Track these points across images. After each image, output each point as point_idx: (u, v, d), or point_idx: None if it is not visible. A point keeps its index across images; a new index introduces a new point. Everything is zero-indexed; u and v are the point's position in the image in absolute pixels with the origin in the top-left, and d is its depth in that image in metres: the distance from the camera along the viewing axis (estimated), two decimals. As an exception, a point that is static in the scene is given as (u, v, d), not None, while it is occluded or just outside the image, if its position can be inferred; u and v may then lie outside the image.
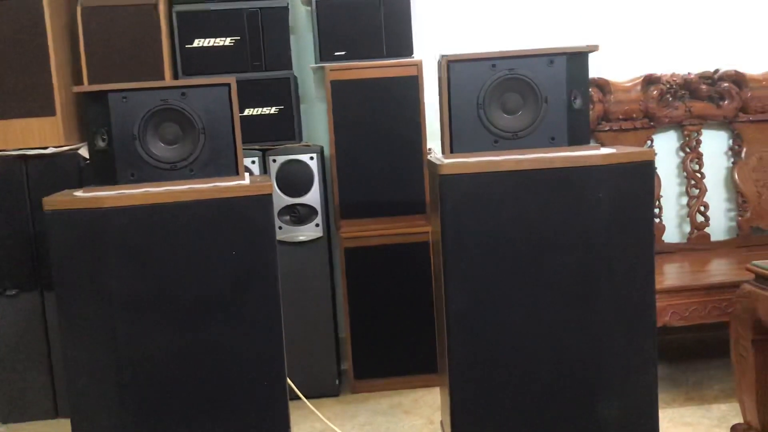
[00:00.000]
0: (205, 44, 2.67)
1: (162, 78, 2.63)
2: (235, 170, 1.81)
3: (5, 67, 2.54)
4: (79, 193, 1.75)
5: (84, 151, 2.62)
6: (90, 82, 2.61)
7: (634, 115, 2.92)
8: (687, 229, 3.02)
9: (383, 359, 2.77)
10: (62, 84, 2.61)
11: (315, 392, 2.65)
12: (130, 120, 1.74)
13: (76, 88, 1.80)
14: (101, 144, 1.76)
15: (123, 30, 2.61)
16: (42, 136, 2.59)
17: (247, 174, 1.88)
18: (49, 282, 2.59)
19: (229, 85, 1.79)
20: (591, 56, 1.88)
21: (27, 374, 2.65)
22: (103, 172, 1.77)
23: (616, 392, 1.83)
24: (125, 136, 1.74)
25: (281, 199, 2.65)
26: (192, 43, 2.67)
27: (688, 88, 2.93)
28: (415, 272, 2.72)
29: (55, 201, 1.71)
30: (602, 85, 2.90)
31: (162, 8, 2.63)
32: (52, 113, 2.58)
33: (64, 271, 1.72)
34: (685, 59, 2.97)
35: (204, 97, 1.78)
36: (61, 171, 2.59)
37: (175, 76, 2.71)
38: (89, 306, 1.72)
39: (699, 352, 2.92)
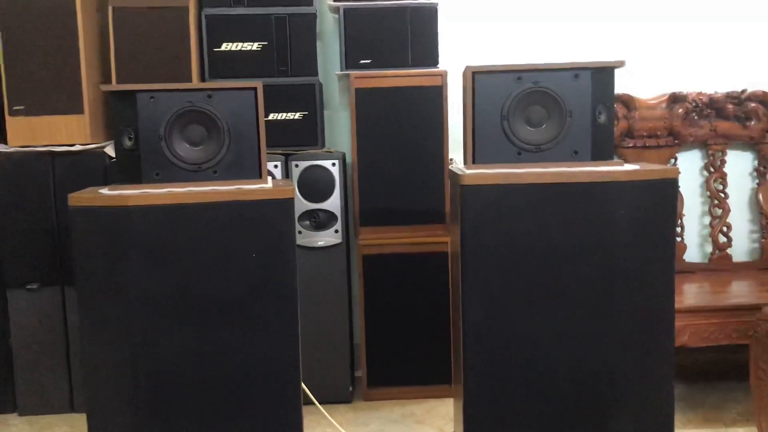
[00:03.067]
0: (233, 48, 2.70)
1: (189, 80, 2.66)
2: (258, 173, 1.82)
3: (36, 64, 2.59)
4: (104, 191, 1.78)
5: (110, 150, 2.66)
6: (118, 82, 2.64)
7: (659, 133, 2.90)
8: (709, 249, 2.99)
9: (397, 368, 2.76)
10: (91, 83, 2.65)
11: (328, 398, 2.65)
12: (157, 120, 1.76)
13: (105, 87, 1.83)
14: (128, 143, 1.78)
15: (153, 31, 2.64)
16: (69, 133, 2.63)
17: (269, 178, 1.89)
18: (71, 277, 2.62)
19: (255, 89, 1.80)
20: (617, 72, 1.87)
21: (45, 368, 2.68)
22: (128, 170, 1.79)
23: (631, 410, 1.81)
24: (152, 135, 1.76)
25: (302, 204, 2.66)
26: (220, 47, 2.70)
27: (714, 107, 2.91)
28: (432, 282, 2.72)
29: (80, 197, 1.74)
30: (627, 102, 2.89)
31: (192, 11, 2.66)
32: (80, 111, 2.62)
33: (85, 267, 1.75)
34: (711, 78, 2.95)
35: (230, 100, 1.79)
36: (86, 168, 2.62)
37: (202, 79, 2.74)
38: (109, 302, 1.73)
39: (717, 374, 2.88)
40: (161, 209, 1.69)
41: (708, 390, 2.75)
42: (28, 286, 2.65)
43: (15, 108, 2.60)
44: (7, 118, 2.61)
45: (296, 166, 2.67)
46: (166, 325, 1.72)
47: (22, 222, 2.63)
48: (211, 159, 1.79)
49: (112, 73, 2.66)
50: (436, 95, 2.69)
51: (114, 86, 1.84)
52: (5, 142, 2.64)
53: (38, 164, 2.62)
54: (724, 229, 2.95)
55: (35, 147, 2.62)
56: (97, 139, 2.69)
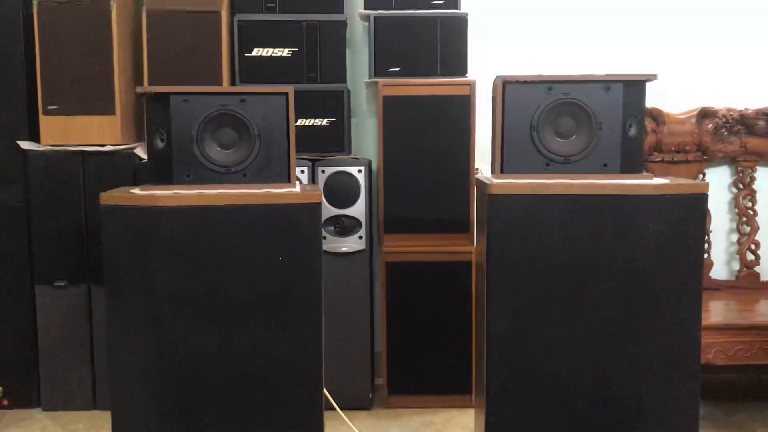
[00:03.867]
0: (264, 54, 2.73)
1: (220, 84, 2.69)
2: (287, 177, 1.84)
3: (71, 65, 2.63)
4: (135, 191, 1.80)
5: (139, 151, 2.69)
6: (150, 84, 2.68)
7: (687, 148, 2.88)
8: (736, 266, 2.95)
9: (417, 376, 2.76)
10: (123, 85, 2.69)
11: (348, 404, 2.65)
12: (189, 122, 1.78)
13: (140, 89, 1.85)
14: (160, 144, 1.80)
15: (185, 36, 2.68)
16: (101, 133, 2.67)
17: (297, 182, 1.91)
18: (97, 276, 2.66)
19: (287, 94, 1.82)
20: (647, 86, 1.86)
21: (69, 365, 2.72)
22: (159, 171, 1.81)
23: (655, 426, 1.79)
24: (183, 137, 1.78)
25: (327, 210, 2.67)
26: (251, 52, 2.73)
27: (744, 123, 2.88)
28: (455, 291, 2.72)
29: (112, 196, 1.76)
30: (656, 116, 2.87)
31: (224, 16, 2.70)
32: (112, 112, 2.66)
33: (115, 265, 1.77)
34: (742, 94, 2.92)
35: (262, 105, 1.81)
36: (116, 169, 2.66)
37: (233, 83, 2.77)
38: (137, 301, 1.75)
39: (742, 393, 2.84)
40: (191, 210, 1.71)
41: (732, 409, 2.71)
42: (56, 283, 2.69)
43: (49, 107, 2.65)
44: (41, 117, 2.66)
45: (322, 171, 2.68)
46: (193, 325, 1.73)
47: (52, 220, 2.67)
48: (242, 162, 1.81)
49: (144, 75, 2.70)
50: (463, 105, 2.70)
51: (149, 88, 1.87)
52: (38, 141, 2.69)
53: (69, 163, 2.66)
54: (752, 246, 2.91)
55: (67, 146, 2.67)
56: (127, 140, 2.73)
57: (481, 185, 1.91)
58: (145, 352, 1.75)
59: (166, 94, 1.79)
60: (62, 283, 2.69)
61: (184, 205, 1.71)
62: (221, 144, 1.82)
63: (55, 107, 2.64)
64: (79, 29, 2.63)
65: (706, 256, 2.90)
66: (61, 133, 2.66)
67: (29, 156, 2.66)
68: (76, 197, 2.67)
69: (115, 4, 2.62)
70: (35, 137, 2.70)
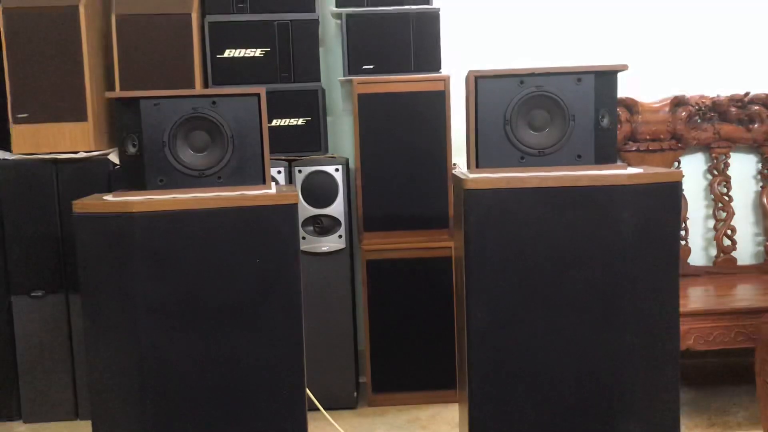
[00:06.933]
0: (236, 54, 2.71)
1: (192, 86, 2.67)
2: (262, 179, 1.82)
3: (41, 72, 2.60)
4: (108, 198, 1.78)
5: (113, 157, 2.66)
6: (122, 89, 2.65)
7: (662, 136, 2.90)
8: (713, 252, 2.98)
9: (402, 373, 2.76)
10: (95, 90, 2.66)
11: (332, 404, 2.65)
12: (160, 127, 1.76)
13: (109, 94, 1.83)
14: (132, 149, 1.78)
15: (156, 39, 2.65)
16: (73, 140, 2.64)
17: (273, 183, 1.90)
18: (75, 284, 2.63)
19: (258, 95, 1.81)
20: (619, 75, 1.87)
21: (49, 375, 2.68)
22: (132, 177, 1.79)
23: (637, 414, 1.80)
24: (155, 142, 1.77)
25: (305, 210, 2.66)
26: (223, 53, 2.71)
27: (717, 110, 2.90)
28: (436, 287, 2.72)
29: (84, 204, 1.74)
30: (630, 105, 2.89)
31: (195, 18, 2.67)
32: (84, 119, 2.63)
33: (90, 274, 1.75)
34: (714, 81, 2.95)
35: (234, 107, 1.80)
36: (90, 175, 2.63)
37: (206, 85, 2.75)
38: (114, 309, 1.73)
39: (723, 378, 2.87)
40: (165, 215, 1.69)
41: (713, 394, 2.74)
42: (33, 293, 2.66)
43: (19, 116, 2.61)
44: (12, 125, 2.62)
45: (299, 171, 2.67)
46: (172, 331, 1.72)
47: (26, 229, 2.63)
48: (215, 165, 1.80)
49: (116, 80, 2.67)
50: (438, 100, 2.69)
51: (118, 93, 1.85)
52: (9, 150, 2.65)
53: (42, 172, 2.63)
54: (729, 232, 2.94)
55: (39, 155, 2.63)
56: (100, 147, 2.70)
57: (457, 180, 1.91)
58: (124, 360, 1.73)
59: (137, 99, 1.77)
60: (39, 293, 2.65)
61: (158, 210, 1.69)
62: (194, 147, 1.80)
63: (26, 115, 2.61)
64: (47, 35, 2.59)
65: (683, 242, 2.93)
66: (33, 141, 2.63)
67: (1, 166, 2.62)
68: (51, 205, 2.64)
69: (83, 9, 2.58)
70: (6, 146, 2.66)
